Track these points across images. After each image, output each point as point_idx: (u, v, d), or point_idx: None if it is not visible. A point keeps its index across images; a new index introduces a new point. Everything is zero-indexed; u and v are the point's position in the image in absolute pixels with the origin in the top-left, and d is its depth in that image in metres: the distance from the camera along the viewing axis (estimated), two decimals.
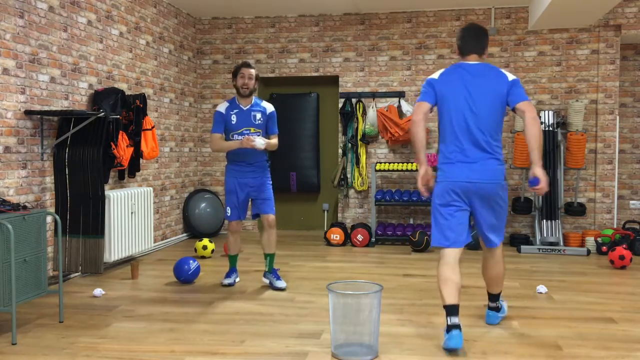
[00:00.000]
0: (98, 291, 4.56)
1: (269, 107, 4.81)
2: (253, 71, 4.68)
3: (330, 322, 3.25)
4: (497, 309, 3.84)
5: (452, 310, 3.28)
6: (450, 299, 3.30)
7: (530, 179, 3.36)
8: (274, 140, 4.75)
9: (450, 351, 3.27)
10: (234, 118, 4.65)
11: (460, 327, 3.24)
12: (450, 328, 3.24)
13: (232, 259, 4.98)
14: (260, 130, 4.70)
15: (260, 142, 4.48)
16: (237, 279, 5.03)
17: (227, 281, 4.90)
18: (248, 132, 4.66)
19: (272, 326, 3.77)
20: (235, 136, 4.65)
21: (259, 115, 4.71)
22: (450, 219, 3.47)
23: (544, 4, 6.25)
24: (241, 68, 4.65)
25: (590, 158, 7.12)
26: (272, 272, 4.86)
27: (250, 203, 4.86)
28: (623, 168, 7.50)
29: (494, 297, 3.80)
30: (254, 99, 4.76)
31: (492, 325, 3.78)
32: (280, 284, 4.78)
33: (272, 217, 4.75)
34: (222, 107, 4.71)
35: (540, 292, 4.65)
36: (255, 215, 4.86)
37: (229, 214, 4.77)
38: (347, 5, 7.20)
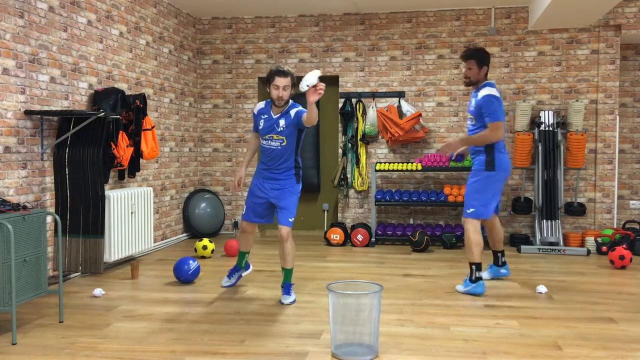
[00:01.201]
0: (98, 291, 4.56)
1: (293, 112, 4.38)
2: (288, 80, 4.31)
3: (330, 322, 3.25)
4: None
5: (479, 266, 4.60)
6: (480, 258, 4.61)
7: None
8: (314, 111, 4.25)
9: (478, 295, 4.52)
10: (262, 123, 4.42)
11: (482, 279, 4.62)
12: (477, 279, 4.58)
13: (240, 257, 4.81)
14: (283, 137, 4.34)
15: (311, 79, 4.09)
16: (245, 273, 4.94)
17: (226, 283, 4.85)
18: (271, 139, 4.37)
19: (272, 326, 3.77)
20: (263, 141, 4.44)
21: (282, 122, 4.33)
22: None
23: (544, 4, 6.25)
24: (275, 77, 4.27)
25: (590, 158, 7.12)
26: (283, 285, 4.46)
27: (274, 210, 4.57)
28: (623, 168, 7.50)
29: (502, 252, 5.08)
30: (289, 105, 4.41)
31: (492, 325, 3.78)
32: (285, 299, 4.35)
33: (283, 229, 4.32)
34: (257, 107, 4.54)
35: (540, 292, 4.65)
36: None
37: (243, 212, 4.66)
38: (347, 5, 7.20)
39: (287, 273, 4.45)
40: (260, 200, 4.51)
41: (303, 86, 4.09)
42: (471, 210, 4.69)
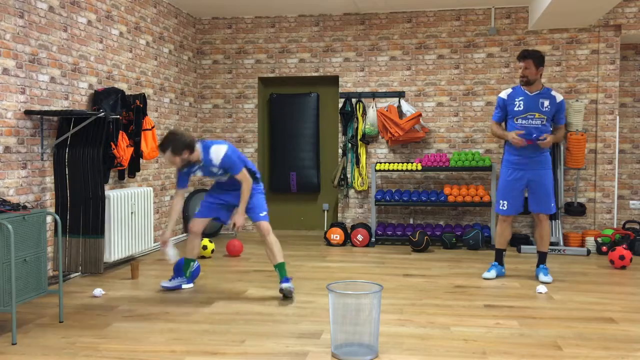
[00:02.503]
0: (98, 291, 4.56)
1: (217, 160, 4.37)
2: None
3: (330, 322, 3.25)
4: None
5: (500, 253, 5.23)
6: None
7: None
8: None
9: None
10: (199, 172, 4.52)
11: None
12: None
13: (185, 264, 4.75)
14: (225, 176, 4.50)
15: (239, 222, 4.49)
16: (184, 285, 4.75)
17: (164, 284, 4.73)
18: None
19: (272, 326, 3.77)
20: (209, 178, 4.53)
21: (216, 166, 4.42)
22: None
23: (544, 4, 6.25)
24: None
25: (590, 158, 7.12)
26: (282, 280, 4.52)
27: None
28: (623, 168, 7.50)
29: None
30: (203, 157, 4.40)
31: (492, 325, 3.79)
32: (283, 285, 4.44)
33: (262, 224, 4.59)
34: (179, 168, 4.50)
35: (540, 292, 4.65)
36: (216, 219, 4.75)
37: (197, 211, 4.75)
38: (347, 5, 7.20)
39: (281, 268, 4.52)
40: (220, 201, 4.66)
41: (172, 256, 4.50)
42: (553, 205, 5.10)
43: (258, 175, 4.65)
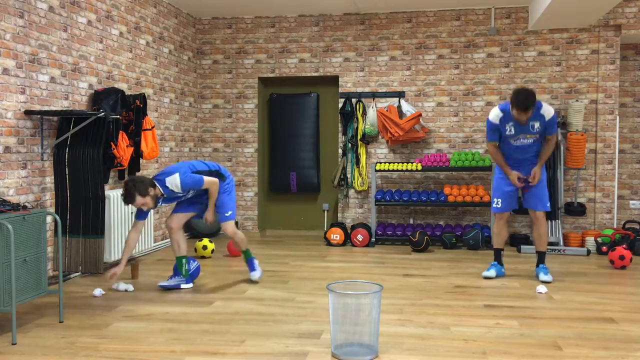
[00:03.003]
0: (98, 291, 4.56)
1: (174, 187, 4.54)
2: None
3: (330, 322, 3.25)
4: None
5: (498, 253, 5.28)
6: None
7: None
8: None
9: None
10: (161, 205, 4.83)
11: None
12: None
13: (178, 263, 4.82)
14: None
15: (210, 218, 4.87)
16: (182, 286, 4.77)
17: (162, 282, 4.78)
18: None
19: (272, 326, 3.77)
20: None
21: (190, 194, 4.72)
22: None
23: (544, 4, 6.25)
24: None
25: (590, 158, 7.12)
26: (247, 261, 5.06)
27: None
28: (623, 168, 7.50)
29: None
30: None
31: (492, 325, 3.78)
32: (253, 275, 5.00)
33: (226, 226, 4.86)
34: (146, 206, 4.53)
35: (540, 292, 4.65)
36: (198, 216, 4.93)
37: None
38: (347, 5, 7.20)
39: (247, 253, 5.03)
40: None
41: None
42: (548, 203, 5.17)
43: (222, 171, 4.85)
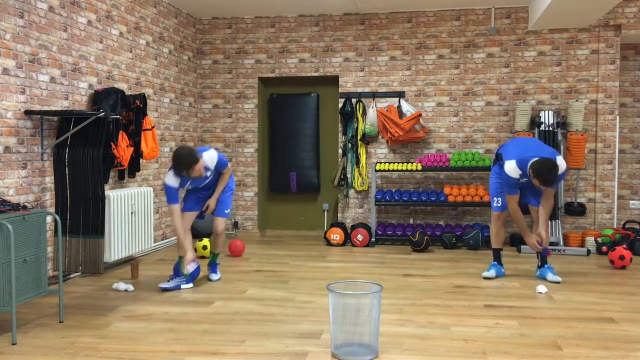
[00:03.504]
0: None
1: (211, 164, 4.71)
2: (200, 164, 4.57)
3: (330, 322, 3.25)
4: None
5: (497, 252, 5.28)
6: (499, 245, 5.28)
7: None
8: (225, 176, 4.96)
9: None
10: (189, 185, 4.82)
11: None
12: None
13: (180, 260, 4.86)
14: (209, 182, 4.91)
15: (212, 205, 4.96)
16: (183, 286, 4.81)
17: (164, 284, 4.76)
18: (198, 187, 4.93)
19: (272, 326, 3.77)
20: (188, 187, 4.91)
21: (206, 173, 4.78)
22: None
23: (544, 4, 6.25)
24: (189, 169, 4.46)
25: (590, 158, 7.12)
26: (211, 264, 5.17)
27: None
28: (623, 168, 7.50)
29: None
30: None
31: (492, 325, 3.79)
32: (213, 276, 5.12)
33: (219, 220, 4.99)
34: (172, 179, 4.57)
35: (540, 292, 4.65)
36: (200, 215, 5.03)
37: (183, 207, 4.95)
38: (347, 5, 7.20)
39: (215, 257, 5.15)
40: (202, 196, 5.00)
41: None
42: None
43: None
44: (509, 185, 4.94)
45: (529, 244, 5.15)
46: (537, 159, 4.72)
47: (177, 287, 4.76)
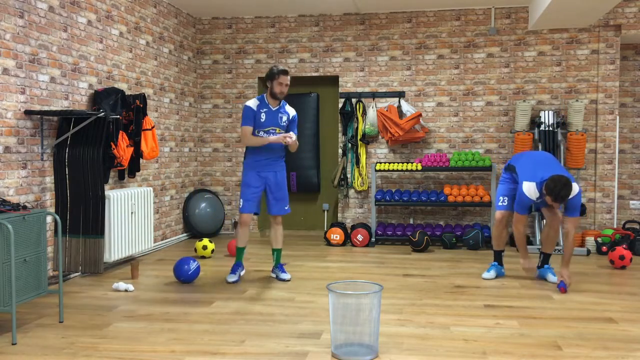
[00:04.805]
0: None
1: (292, 112, 5.05)
2: (289, 78, 4.91)
3: (330, 322, 3.25)
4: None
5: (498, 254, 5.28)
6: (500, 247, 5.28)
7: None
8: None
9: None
10: (263, 116, 4.89)
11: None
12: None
13: (239, 252, 5.13)
14: (283, 131, 4.98)
15: (295, 139, 4.84)
16: (243, 272, 5.21)
17: (231, 279, 5.01)
18: (274, 131, 4.93)
19: (272, 326, 3.77)
20: (262, 133, 4.90)
21: (284, 118, 4.98)
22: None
23: (544, 4, 6.25)
24: (280, 75, 4.84)
25: (590, 158, 7.12)
26: (278, 266, 5.19)
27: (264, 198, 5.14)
28: (623, 168, 7.50)
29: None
30: (282, 101, 5.01)
31: (492, 325, 3.78)
32: (285, 276, 5.12)
33: (279, 218, 5.13)
34: (252, 103, 4.91)
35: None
36: (255, 213, 5.10)
37: (241, 206, 4.99)
38: (347, 5, 7.20)
39: (279, 253, 5.19)
40: (258, 190, 4.99)
41: None
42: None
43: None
44: (522, 205, 4.90)
45: (522, 266, 5.13)
46: (551, 176, 4.69)
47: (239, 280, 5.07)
